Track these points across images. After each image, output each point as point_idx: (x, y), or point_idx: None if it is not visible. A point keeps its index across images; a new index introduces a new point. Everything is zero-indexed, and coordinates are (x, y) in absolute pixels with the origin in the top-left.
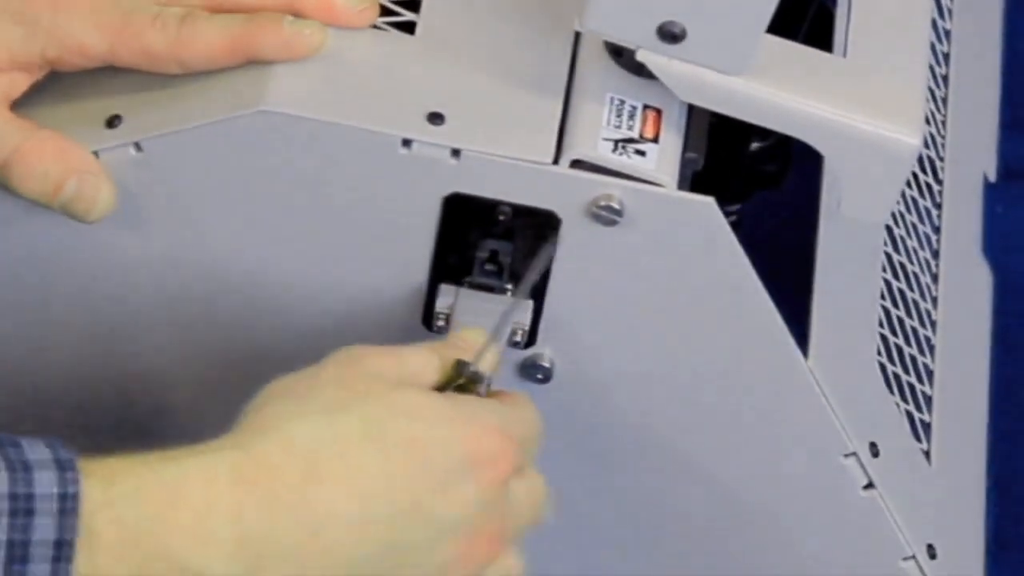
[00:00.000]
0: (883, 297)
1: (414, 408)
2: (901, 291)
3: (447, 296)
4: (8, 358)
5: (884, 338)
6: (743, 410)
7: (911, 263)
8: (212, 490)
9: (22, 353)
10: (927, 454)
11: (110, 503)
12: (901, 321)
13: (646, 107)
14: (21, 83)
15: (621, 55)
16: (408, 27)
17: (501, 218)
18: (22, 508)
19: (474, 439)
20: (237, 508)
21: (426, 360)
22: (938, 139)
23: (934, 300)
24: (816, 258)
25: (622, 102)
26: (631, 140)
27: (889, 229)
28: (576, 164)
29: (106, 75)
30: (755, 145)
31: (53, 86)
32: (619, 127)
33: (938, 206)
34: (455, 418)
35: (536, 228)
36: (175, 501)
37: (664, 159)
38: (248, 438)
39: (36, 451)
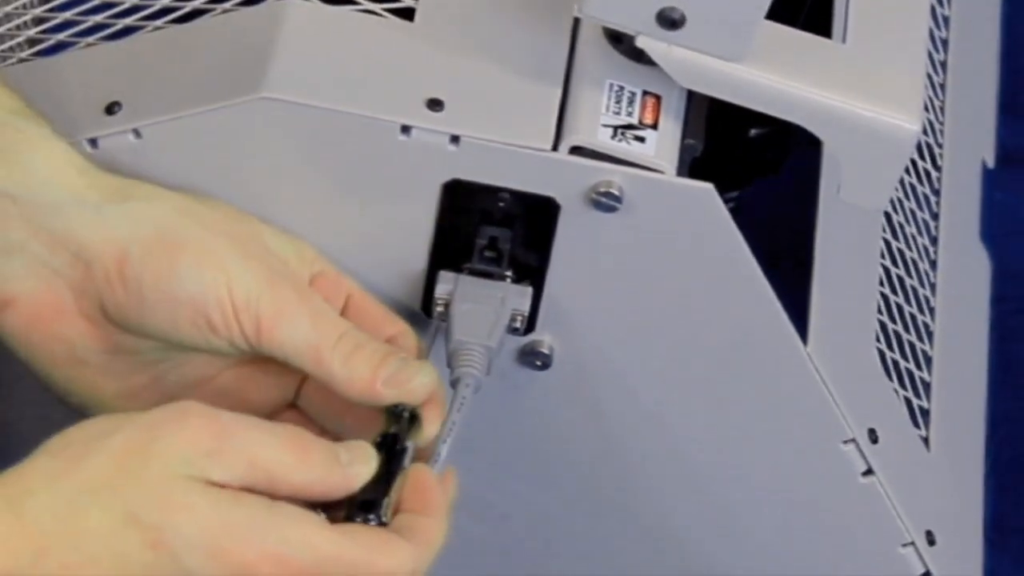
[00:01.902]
0: (882, 283)
1: (169, 503)
2: (900, 277)
3: (446, 283)
4: None
5: (883, 324)
6: (742, 397)
7: (910, 249)
8: None
9: None
10: (926, 440)
11: None
12: (900, 307)
13: (645, 93)
14: None
15: (620, 41)
16: (407, 13)
17: (500, 204)
18: None
19: (231, 552)
20: None
21: (268, 461)
22: (936, 125)
23: (932, 286)
24: (815, 244)
25: (621, 88)
26: (630, 126)
27: (888, 215)
28: (575, 150)
29: (105, 61)
30: (754, 131)
31: (53, 72)
32: (618, 113)
33: (936, 192)
34: (218, 526)
35: (535, 214)
36: None
37: (663, 145)
38: None
39: None
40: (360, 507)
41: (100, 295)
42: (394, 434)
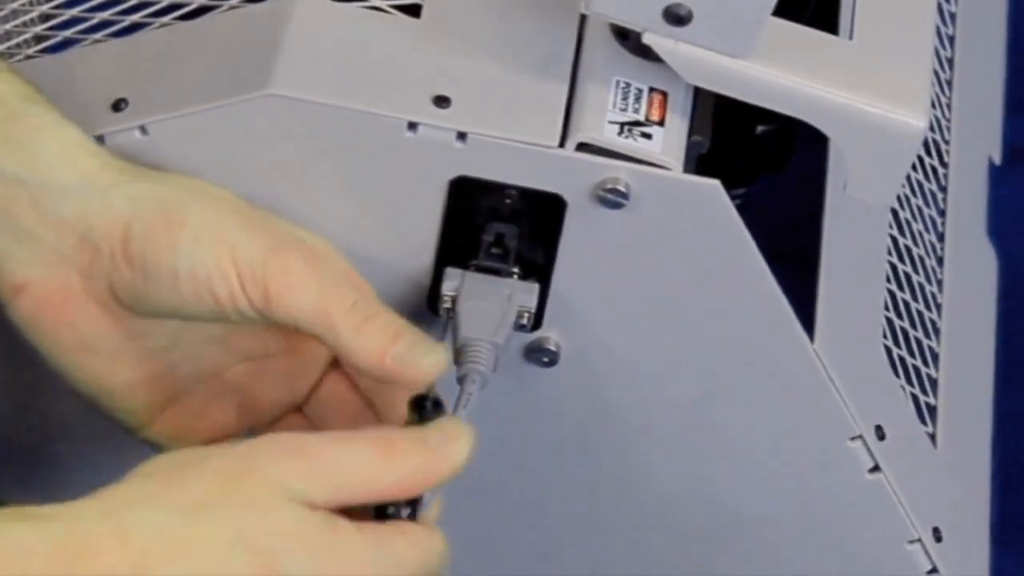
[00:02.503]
0: (889, 280)
1: (280, 529)
2: (907, 274)
3: (453, 279)
4: None
5: (890, 321)
6: (749, 393)
7: (916, 246)
8: (28, 563)
9: None
10: (933, 437)
11: None
12: (907, 304)
13: (652, 90)
14: None
15: (627, 38)
16: (414, 10)
17: (507, 201)
18: None
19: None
20: None
21: (353, 470)
22: (943, 122)
23: (939, 283)
24: (822, 241)
25: (628, 85)
26: (637, 123)
27: (895, 212)
28: (582, 147)
29: (111, 58)
30: (761, 128)
31: (59, 69)
32: (625, 110)
33: (943, 189)
34: (320, 549)
35: (542, 211)
36: None
37: (670, 142)
38: (88, 512)
39: None
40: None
41: (108, 277)
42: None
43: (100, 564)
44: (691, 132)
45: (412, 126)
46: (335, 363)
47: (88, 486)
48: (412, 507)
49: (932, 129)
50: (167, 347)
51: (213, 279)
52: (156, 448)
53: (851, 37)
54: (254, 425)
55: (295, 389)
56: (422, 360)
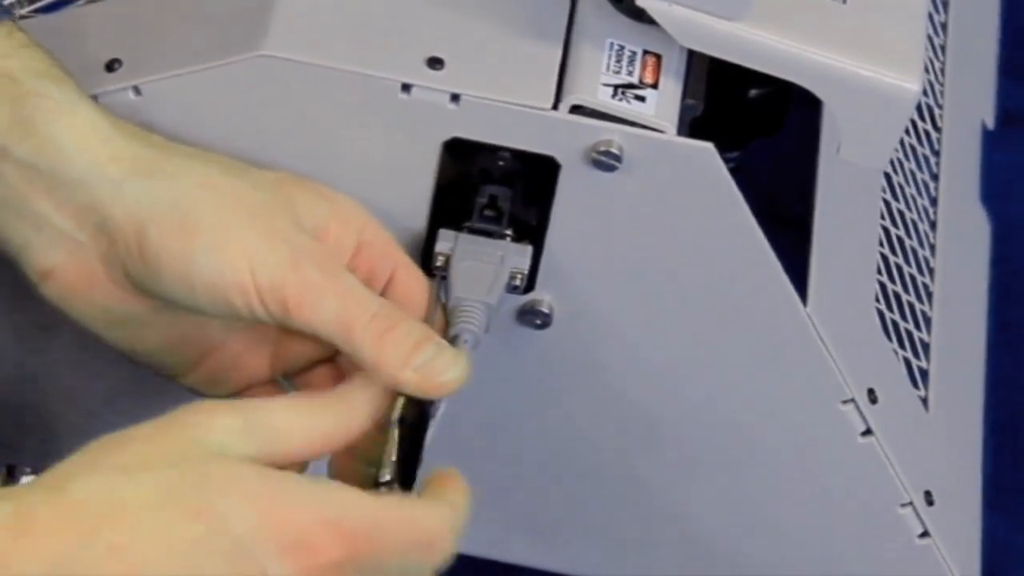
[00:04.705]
0: (881, 244)
1: (220, 477)
2: (899, 238)
3: (446, 240)
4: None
5: (882, 285)
6: (741, 356)
7: (909, 210)
8: None
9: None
10: (925, 401)
11: None
12: (899, 268)
13: (646, 53)
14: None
15: (621, 0)
16: None
17: (500, 163)
18: None
19: (281, 518)
20: (5, 559)
21: (283, 421)
22: (936, 87)
23: (932, 247)
24: (815, 205)
25: (622, 48)
26: (631, 86)
27: (888, 176)
28: (576, 109)
29: (105, 18)
30: (754, 91)
31: (53, 29)
32: (619, 72)
33: (936, 153)
34: (263, 492)
35: (535, 173)
36: None
37: (664, 105)
38: (30, 491)
39: None
40: (401, 482)
41: (124, 266)
42: (418, 405)
43: (49, 536)
44: (685, 95)
45: (406, 87)
46: None
47: None
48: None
49: (925, 93)
50: (189, 313)
51: (230, 290)
52: (196, 394)
53: (845, 1)
54: (287, 373)
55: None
56: (442, 374)
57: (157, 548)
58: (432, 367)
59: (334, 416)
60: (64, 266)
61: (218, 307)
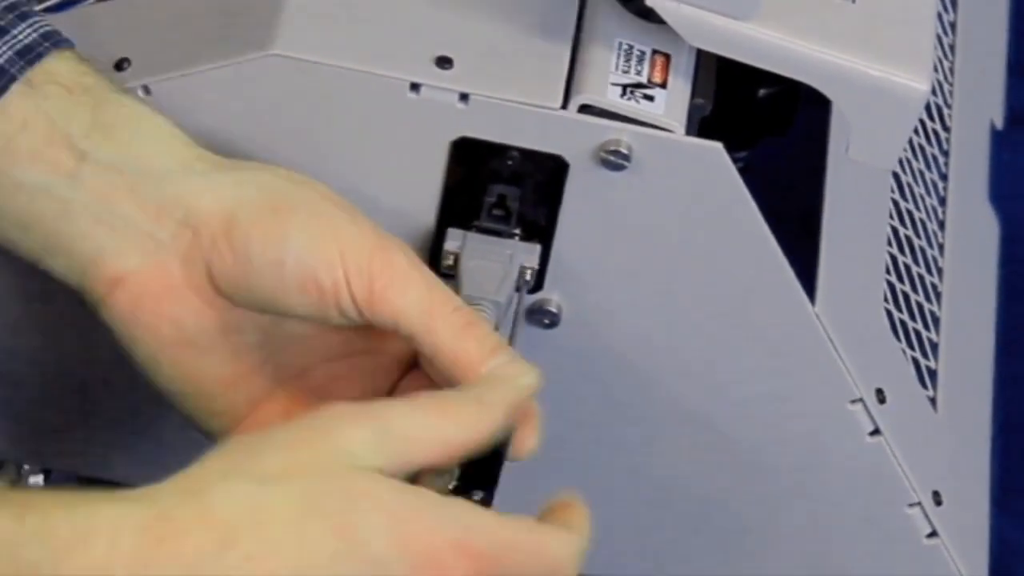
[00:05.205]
0: (890, 244)
1: (362, 495)
2: (908, 238)
3: (455, 239)
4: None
5: (891, 285)
6: (749, 356)
7: (918, 210)
8: (117, 541)
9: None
10: (933, 401)
11: (17, 541)
12: (908, 268)
13: (655, 52)
14: None
15: (630, 0)
16: None
17: (509, 163)
18: None
19: (416, 538)
20: (139, 565)
21: (416, 430)
22: (945, 86)
23: (940, 247)
24: (823, 204)
25: (630, 47)
26: (639, 85)
27: (896, 176)
28: (584, 109)
29: (114, 17)
30: (763, 91)
31: (62, 28)
32: (627, 72)
33: (945, 153)
34: (402, 512)
35: (544, 173)
36: (78, 546)
37: (672, 104)
38: (170, 493)
39: None
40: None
41: (207, 262)
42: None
43: (187, 544)
44: (693, 94)
45: (414, 87)
46: (414, 363)
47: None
48: (487, 491)
49: (934, 93)
50: (258, 344)
51: (320, 270)
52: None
53: (854, 0)
54: None
55: (374, 389)
56: (518, 379)
57: (296, 561)
58: (510, 370)
59: (465, 420)
60: (138, 271)
61: (306, 292)
